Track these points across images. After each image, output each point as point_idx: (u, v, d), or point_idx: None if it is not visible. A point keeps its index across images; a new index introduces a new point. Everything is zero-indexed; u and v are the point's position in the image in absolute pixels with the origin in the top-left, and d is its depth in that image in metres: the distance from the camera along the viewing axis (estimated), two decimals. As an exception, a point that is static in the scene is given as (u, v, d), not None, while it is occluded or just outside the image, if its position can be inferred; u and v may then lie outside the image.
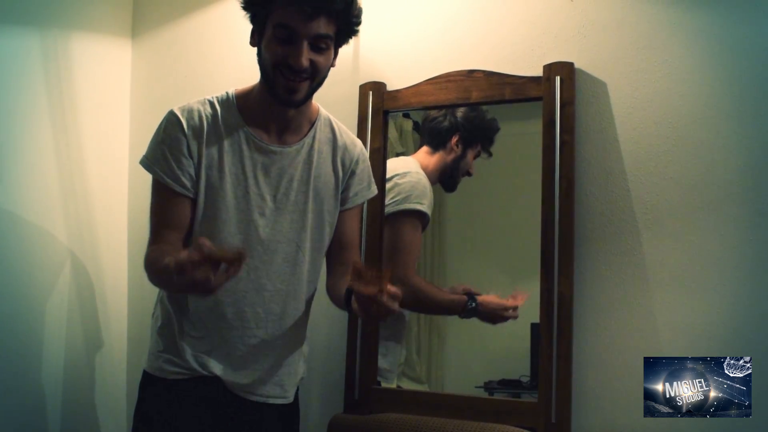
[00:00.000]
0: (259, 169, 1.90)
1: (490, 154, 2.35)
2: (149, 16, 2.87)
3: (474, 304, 2.25)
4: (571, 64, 2.11)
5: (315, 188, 1.95)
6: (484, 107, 2.29)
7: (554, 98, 2.09)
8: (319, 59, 1.81)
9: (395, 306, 1.61)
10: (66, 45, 2.59)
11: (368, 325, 1.66)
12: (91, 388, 2.63)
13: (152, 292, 2.02)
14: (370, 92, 2.35)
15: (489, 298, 2.26)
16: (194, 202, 1.87)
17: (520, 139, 2.35)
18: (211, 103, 1.92)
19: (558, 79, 2.10)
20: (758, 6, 1.99)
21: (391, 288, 1.60)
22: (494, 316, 2.26)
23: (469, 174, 2.36)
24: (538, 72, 2.14)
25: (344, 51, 2.44)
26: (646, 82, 2.07)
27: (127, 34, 2.88)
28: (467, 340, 2.43)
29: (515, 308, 2.23)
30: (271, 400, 1.97)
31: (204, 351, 1.91)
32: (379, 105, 2.34)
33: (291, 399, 2.02)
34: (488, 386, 2.27)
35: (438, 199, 2.38)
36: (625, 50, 2.10)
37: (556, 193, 2.06)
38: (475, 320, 2.28)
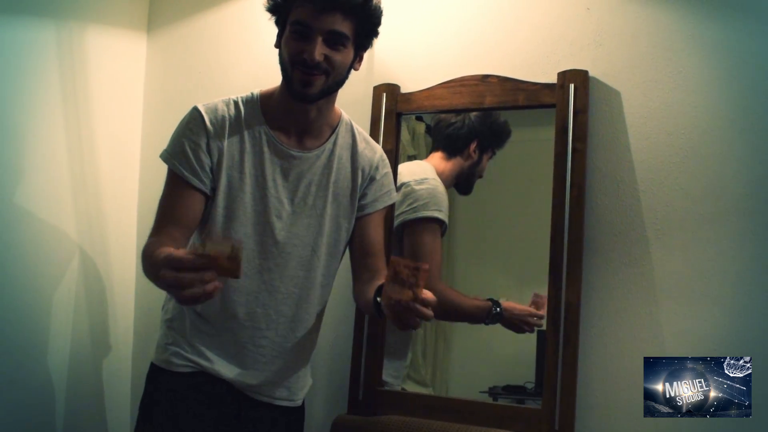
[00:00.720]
0: (278, 172, 1.91)
1: (494, 153, 2.37)
2: (165, 11, 2.88)
3: (498, 309, 2.24)
4: (585, 72, 2.11)
5: (333, 193, 1.96)
6: (497, 112, 2.29)
7: (568, 106, 2.09)
8: (335, 56, 1.80)
9: (429, 313, 1.55)
10: (81, 38, 2.60)
11: (401, 330, 1.61)
12: (96, 382, 2.64)
13: (161, 286, 2.02)
14: (384, 94, 2.36)
15: (513, 304, 2.24)
16: (206, 199, 1.88)
17: (532, 146, 2.35)
18: (236, 103, 1.92)
19: (572, 86, 2.10)
20: (774, 20, 1.99)
21: (426, 293, 1.54)
22: (520, 322, 2.23)
23: (480, 176, 2.37)
24: (552, 79, 2.14)
25: (360, 52, 2.46)
26: (660, 92, 2.07)
27: (142, 28, 2.89)
28: (473, 344, 2.43)
29: (541, 316, 2.18)
30: (278, 402, 1.97)
31: (213, 348, 1.91)
32: (393, 107, 2.34)
33: (299, 403, 2.03)
34: (492, 392, 2.27)
35: (448, 203, 2.38)
36: (639, 60, 2.10)
37: (567, 201, 2.06)
38: (481, 326, 2.29)
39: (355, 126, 2.05)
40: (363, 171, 2.00)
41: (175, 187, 1.86)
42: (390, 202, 2.08)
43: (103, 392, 2.66)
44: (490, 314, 2.24)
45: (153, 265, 1.62)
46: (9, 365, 2.33)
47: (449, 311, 2.32)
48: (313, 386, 2.35)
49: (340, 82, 1.87)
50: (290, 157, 1.91)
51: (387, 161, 2.09)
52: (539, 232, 2.11)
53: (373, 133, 2.34)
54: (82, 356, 2.58)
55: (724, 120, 2.00)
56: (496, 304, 2.25)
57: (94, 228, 2.63)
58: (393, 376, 2.31)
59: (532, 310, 2.21)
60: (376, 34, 1.90)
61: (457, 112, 2.30)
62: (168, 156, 1.88)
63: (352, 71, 1.92)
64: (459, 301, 2.31)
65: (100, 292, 2.67)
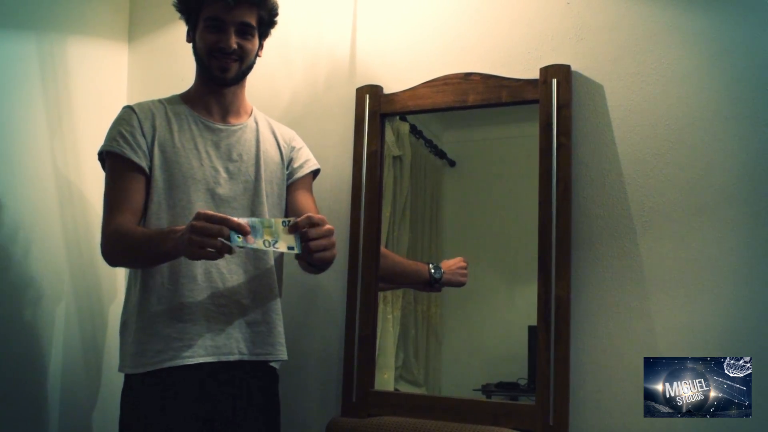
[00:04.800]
0: (209, 145, 2.09)
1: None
2: (146, 20, 2.87)
3: (436, 266, 2.34)
4: (567, 67, 2.11)
5: (264, 161, 2.15)
6: (482, 110, 2.29)
7: (551, 101, 2.10)
8: (246, 44, 2.07)
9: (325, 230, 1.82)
10: (63, 48, 2.59)
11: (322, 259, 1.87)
12: (88, 392, 2.63)
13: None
14: (367, 95, 2.36)
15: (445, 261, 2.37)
16: (148, 180, 2.03)
17: (516, 142, 2.35)
18: (159, 100, 2.15)
19: (555, 81, 2.10)
20: (754, 8, 1.99)
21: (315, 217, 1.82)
22: (457, 274, 2.35)
23: None
24: (534, 75, 2.15)
25: (341, 54, 2.47)
26: (643, 84, 2.07)
27: (123, 38, 2.88)
28: (465, 343, 2.43)
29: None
30: (247, 357, 2.04)
31: (177, 325, 1.98)
32: (376, 108, 2.34)
33: (267, 358, 2.07)
34: (486, 389, 2.27)
35: (435, 201, 2.38)
36: (621, 53, 2.11)
37: (553, 196, 2.06)
38: (471, 322, 2.29)
39: (266, 116, 2.28)
40: (285, 142, 2.23)
41: (118, 172, 2.03)
42: (315, 167, 2.26)
43: (96, 403, 2.65)
44: (430, 272, 2.33)
45: (140, 243, 1.91)
46: (1, 378, 2.31)
47: (394, 272, 2.39)
48: (307, 389, 2.36)
49: (250, 67, 2.13)
50: (217, 131, 2.12)
51: (300, 139, 2.29)
52: (527, 228, 2.11)
53: (357, 135, 2.34)
54: (75, 367, 2.56)
55: (708, 109, 2.01)
56: (432, 264, 2.34)
57: (81, 238, 2.62)
58: None
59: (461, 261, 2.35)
60: (274, 24, 2.16)
61: (440, 111, 2.29)
62: (106, 145, 2.05)
63: (258, 59, 2.17)
64: (399, 260, 2.40)
65: (90, 303, 2.65)
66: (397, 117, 2.41)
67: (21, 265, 2.40)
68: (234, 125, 2.14)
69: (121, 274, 2.78)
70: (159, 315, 1.98)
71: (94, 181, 2.66)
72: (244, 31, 2.05)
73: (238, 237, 1.73)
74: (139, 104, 2.11)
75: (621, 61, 2.10)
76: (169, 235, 1.83)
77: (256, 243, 1.76)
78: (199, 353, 1.98)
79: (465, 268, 2.34)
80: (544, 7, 2.21)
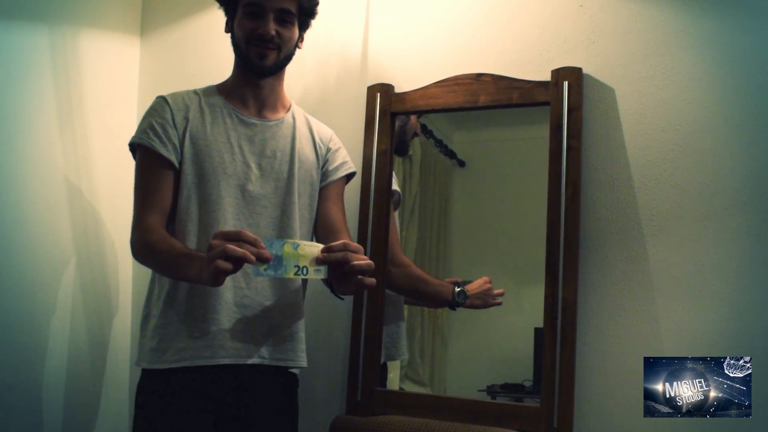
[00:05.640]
0: (243, 139, 2.05)
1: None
2: (158, 14, 2.88)
3: (461, 288, 2.28)
4: (579, 70, 2.11)
5: (299, 159, 2.10)
6: (492, 110, 2.29)
7: (562, 103, 2.10)
8: (285, 32, 2.02)
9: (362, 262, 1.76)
10: (75, 42, 2.59)
11: (351, 292, 1.86)
12: (94, 386, 2.63)
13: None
14: (378, 94, 2.36)
15: (474, 283, 2.31)
16: (178, 175, 1.99)
17: (526, 144, 2.35)
18: (194, 91, 2.10)
19: (566, 84, 2.10)
20: (766, 15, 1.99)
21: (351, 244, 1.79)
22: (484, 297, 2.29)
23: (416, 134, 2.41)
24: (546, 77, 2.15)
25: (352, 52, 2.47)
26: (654, 88, 2.07)
27: (136, 32, 2.89)
28: (470, 343, 2.43)
29: (500, 294, 2.28)
30: (267, 362, 2.01)
31: (199, 325, 1.94)
32: (387, 107, 2.34)
33: (287, 364, 2.05)
34: (491, 390, 2.28)
35: (444, 201, 2.38)
36: (633, 57, 2.10)
37: (562, 199, 2.06)
38: (477, 323, 2.29)
39: (304, 112, 2.23)
40: (322, 142, 2.18)
41: (148, 167, 2.01)
42: (351, 170, 2.23)
43: (101, 397, 2.65)
44: (453, 293, 2.29)
45: (168, 258, 1.87)
46: (6, 371, 2.32)
47: (416, 286, 2.38)
48: (312, 387, 2.36)
49: (289, 57, 2.08)
50: (252, 125, 2.07)
51: (338, 139, 2.25)
52: (535, 230, 2.11)
53: (368, 133, 2.34)
54: (80, 362, 2.57)
55: (718, 115, 2.01)
56: (458, 284, 2.29)
57: (89, 233, 2.63)
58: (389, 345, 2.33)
59: (487, 282, 2.29)
60: (314, 14, 2.11)
61: (451, 111, 2.29)
62: (136, 137, 2.01)
63: (298, 50, 2.13)
64: (425, 276, 2.37)
65: (97, 298, 2.66)
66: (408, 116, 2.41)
67: (28, 258, 2.41)
68: (270, 120, 2.10)
69: (128, 268, 2.79)
70: (181, 312, 1.95)
71: (103, 175, 2.67)
72: (284, 19, 2.00)
73: (260, 266, 1.70)
74: (173, 95, 2.07)
75: (632, 65, 2.10)
76: (196, 260, 1.78)
77: (287, 271, 1.73)
78: (219, 354, 1.94)
79: (491, 289, 2.29)
80: (557, 9, 2.21)
